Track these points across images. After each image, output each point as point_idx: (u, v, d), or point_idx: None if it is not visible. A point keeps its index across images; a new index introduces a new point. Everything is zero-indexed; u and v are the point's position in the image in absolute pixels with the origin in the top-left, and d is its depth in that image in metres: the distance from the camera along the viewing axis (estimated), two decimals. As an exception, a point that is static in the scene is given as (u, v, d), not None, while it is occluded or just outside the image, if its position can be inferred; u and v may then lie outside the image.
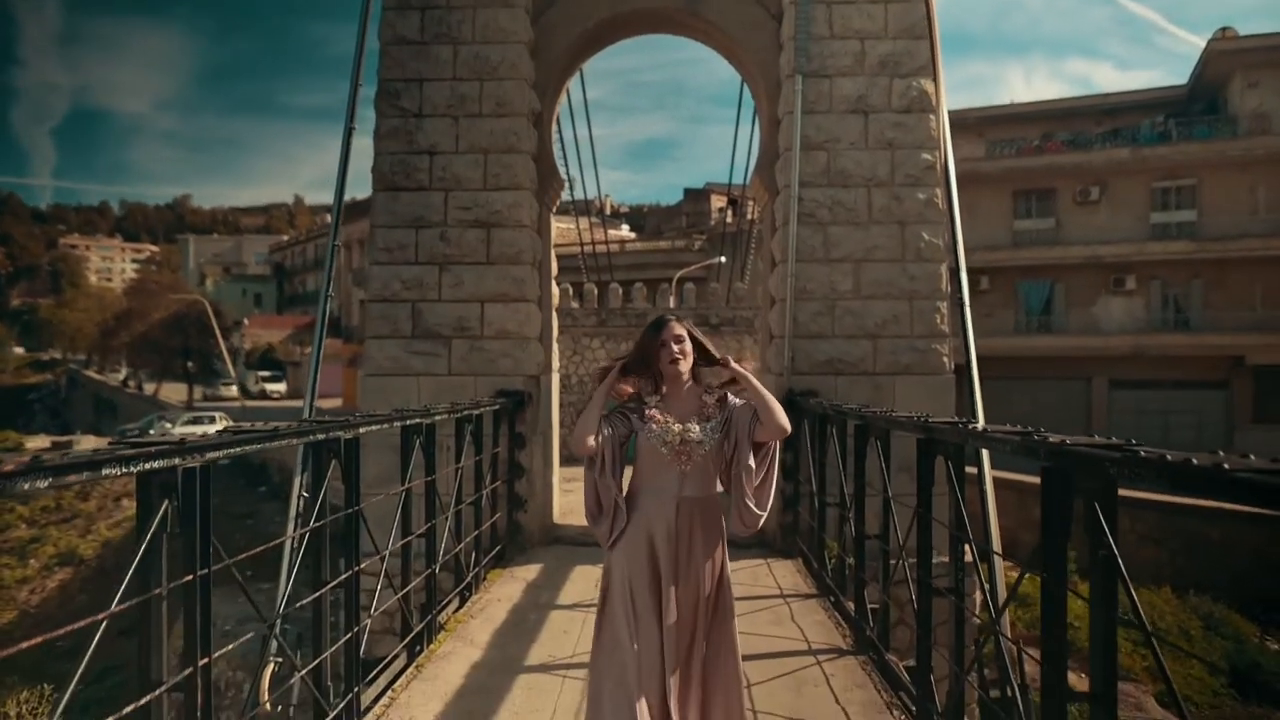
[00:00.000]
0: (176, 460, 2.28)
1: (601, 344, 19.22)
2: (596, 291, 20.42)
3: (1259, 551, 13.73)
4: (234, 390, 44.86)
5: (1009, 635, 3.14)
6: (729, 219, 28.91)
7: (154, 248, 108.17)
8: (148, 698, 2.23)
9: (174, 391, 45.98)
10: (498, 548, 6.78)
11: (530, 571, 6.67)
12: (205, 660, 2.42)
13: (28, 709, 6.01)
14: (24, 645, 2.11)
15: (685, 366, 2.92)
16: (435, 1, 7.55)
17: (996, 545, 5.31)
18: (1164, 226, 27.94)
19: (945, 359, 7.49)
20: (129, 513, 22.85)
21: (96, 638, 2.08)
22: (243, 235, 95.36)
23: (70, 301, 73.71)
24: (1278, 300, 26.43)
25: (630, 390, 2.96)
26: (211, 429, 28.53)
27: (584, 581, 6.30)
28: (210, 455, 2.42)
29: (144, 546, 2.24)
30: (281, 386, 47.63)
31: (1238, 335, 26.32)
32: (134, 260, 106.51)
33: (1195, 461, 1.72)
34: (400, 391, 7.38)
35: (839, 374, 7.45)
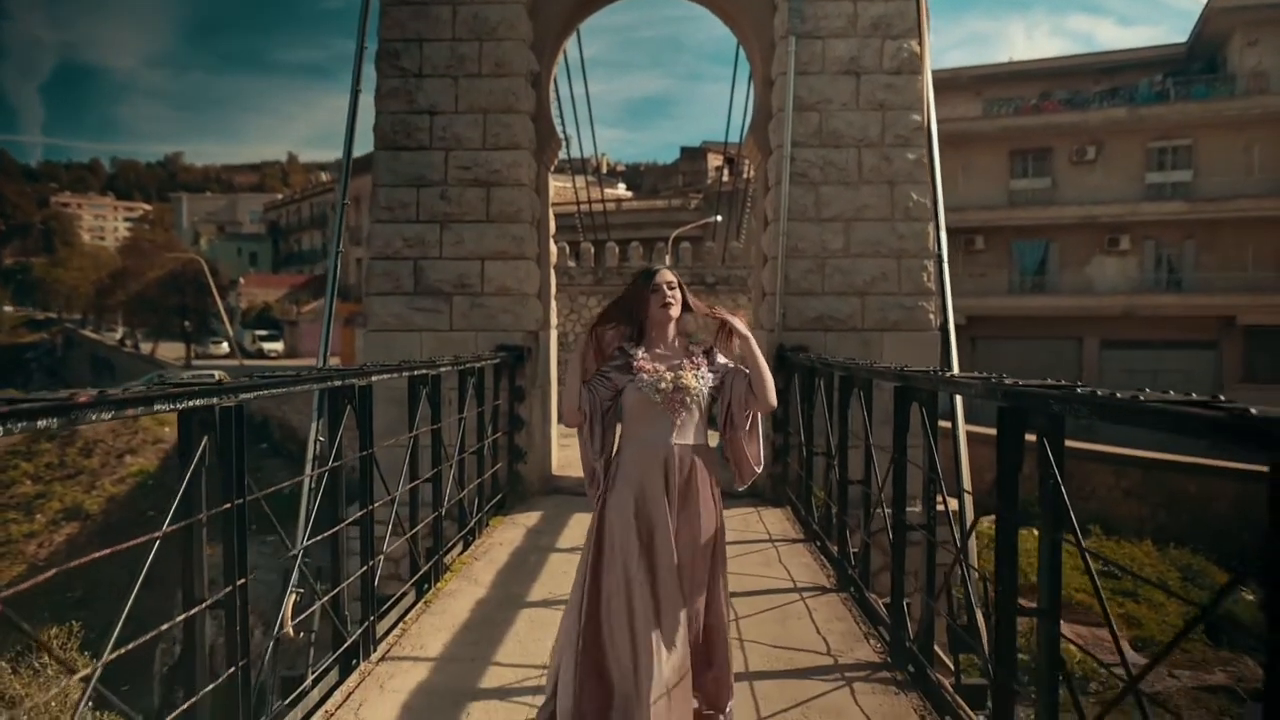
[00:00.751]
0: (215, 399, 2.52)
1: (598, 302, 19.40)
2: (593, 250, 20.57)
3: (1236, 505, 14.13)
4: (224, 348, 44.95)
5: (975, 565, 3.40)
6: (726, 178, 28.91)
7: (146, 206, 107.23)
8: (194, 610, 2.49)
9: (170, 351, 46.13)
10: (499, 496, 7.07)
11: (530, 518, 6.98)
12: (242, 580, 2.69)
13: (58, 643, 6.37)
14: (87, 558, 2.37)
15: (675, 313, 2.92)
16: (432, -40, 7.65)
17: (967, 484, 5.60)
18: (1159, 187, 28.00)
19: (932, 316, 7.73)
20: (132, 469, 23.20)
21: (151, 556, 2.33)
22: (237, 194, 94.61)
23: (64, 260, 73.37)
24: (1269, 261, 26.61)
25: (611, 339, 2.96)
26: (211, 386, 28.81)
27: (581, 528, 6.55)
28: (244, 396, 2.65)
29: (187, 478, 2.49)
30: (279, 345, 47.77)
31: (1229, 296, 26.48)
32: (127, 219, 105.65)
33: (1119, 395, 1.97)
34: (403, 347, 7.61)
35: (828, 330, 7.71)
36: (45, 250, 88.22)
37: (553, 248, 8.88)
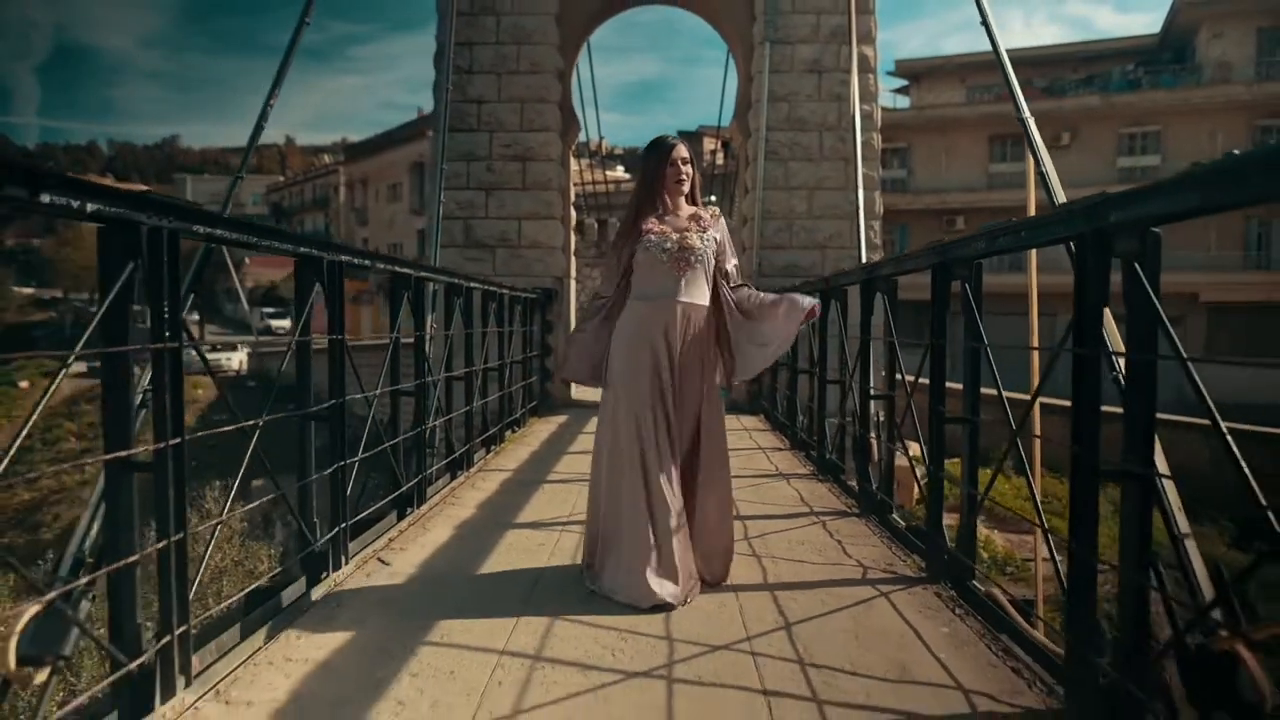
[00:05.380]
0: (410, 270, 4.44)
1: (601, 273, 21.21)
2: (596, 226, 22.41)
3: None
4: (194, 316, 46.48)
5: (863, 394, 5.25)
6: (720, 160, 30.58)
7: (145, 188, 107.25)
8: (391, 389, 4.42)
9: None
10: (533, 403, 9.03)
11: (559, 419, 8.94)
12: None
13: (212, 498, 8.29)
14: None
15: (687, 189, 3.17)
16: (481, -21, 9.59)
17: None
18: (1130, 170, 29.56)
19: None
20: None
21: (389, 362, 4.25)
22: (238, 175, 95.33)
23: (73, 240, 74.50)
24: (1229, 242, 28.15)
25: (657, 229, 3.12)
26: (234, 357, 30.70)
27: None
28: (424, 274, 4.58)
29: (397, 326, 4.40)
30: (286, 323, 49.18)
31: (1192, 274, 27.66)
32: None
33: (907, 251, 3.89)
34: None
35: (794, 277, 9.63)
36: (47, 231, 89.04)
37: (572, 212, 10.84)
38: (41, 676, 2.13)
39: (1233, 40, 29.42)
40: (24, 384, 28.82)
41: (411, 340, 4.54)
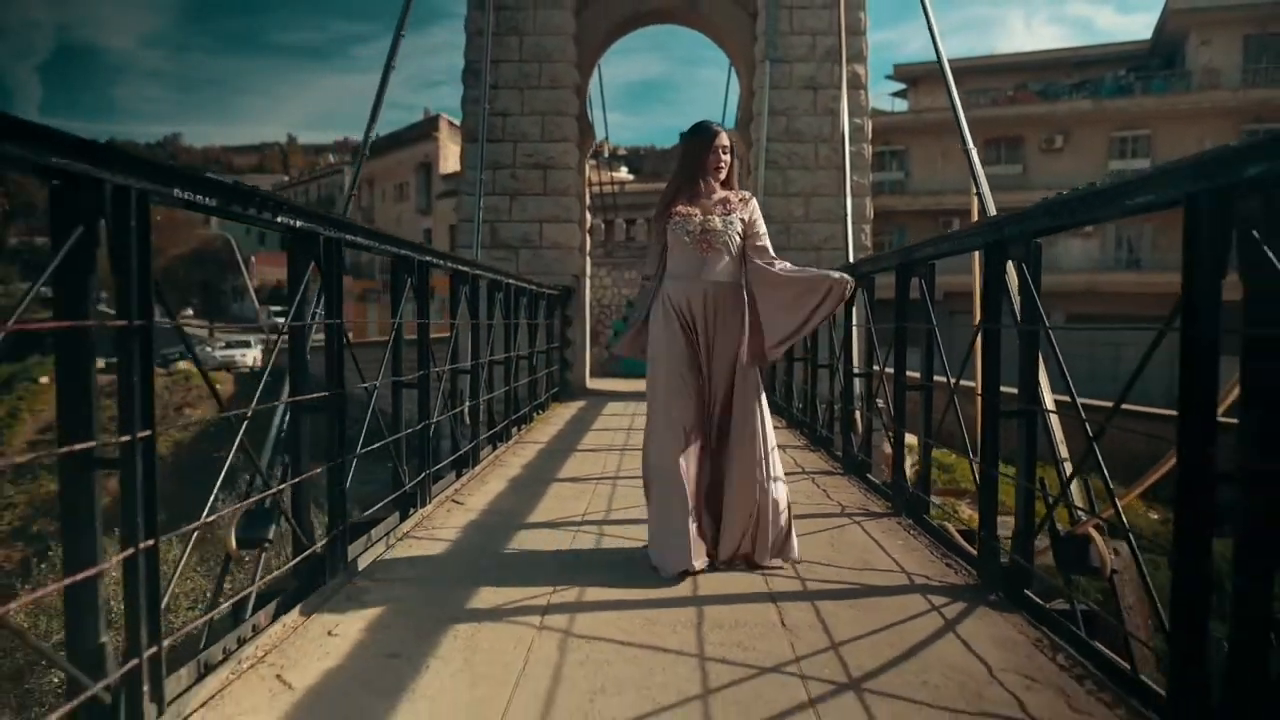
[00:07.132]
0: (468, 268, 5.32)
1: (608, 273, 22.10)
2: (603, 226, 23.29)
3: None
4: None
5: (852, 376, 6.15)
6: (722, 163, 31.42)
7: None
8: (442, 367, 5.31)
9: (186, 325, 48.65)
10: (555, 389, 9.91)
11: (578, 404, 9.84)
12: (477, 363, 5.50)
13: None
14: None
15: (723, 175, 3.30)
16: (505, 2, 10.48)
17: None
18: (1121, 173, 30.14)
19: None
20: (191, 419, 26.08)
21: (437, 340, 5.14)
22: (242, 175, 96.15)
23: (79, 239, 75.06)
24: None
25: (683, 211, 3.25)
26: (248, 353, 31.61)
27: (614, 409, 9.46)
28: (479, 272, 5.46)
29: (458, 314, 5.28)
30: (294, 321, 49.80)
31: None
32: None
33: (891, 252, 4.76)
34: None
35: (792, 275, 10.53)
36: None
37: (588, 215, 11.74)
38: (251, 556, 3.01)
39: (1220, 47, 30.19)
40: (44, 379, 29.67)
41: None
